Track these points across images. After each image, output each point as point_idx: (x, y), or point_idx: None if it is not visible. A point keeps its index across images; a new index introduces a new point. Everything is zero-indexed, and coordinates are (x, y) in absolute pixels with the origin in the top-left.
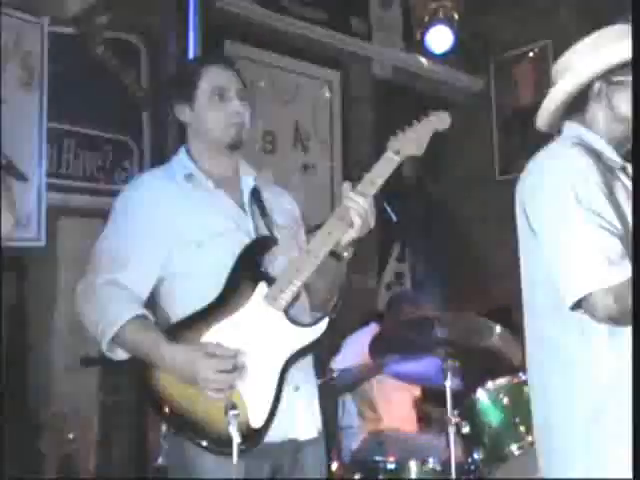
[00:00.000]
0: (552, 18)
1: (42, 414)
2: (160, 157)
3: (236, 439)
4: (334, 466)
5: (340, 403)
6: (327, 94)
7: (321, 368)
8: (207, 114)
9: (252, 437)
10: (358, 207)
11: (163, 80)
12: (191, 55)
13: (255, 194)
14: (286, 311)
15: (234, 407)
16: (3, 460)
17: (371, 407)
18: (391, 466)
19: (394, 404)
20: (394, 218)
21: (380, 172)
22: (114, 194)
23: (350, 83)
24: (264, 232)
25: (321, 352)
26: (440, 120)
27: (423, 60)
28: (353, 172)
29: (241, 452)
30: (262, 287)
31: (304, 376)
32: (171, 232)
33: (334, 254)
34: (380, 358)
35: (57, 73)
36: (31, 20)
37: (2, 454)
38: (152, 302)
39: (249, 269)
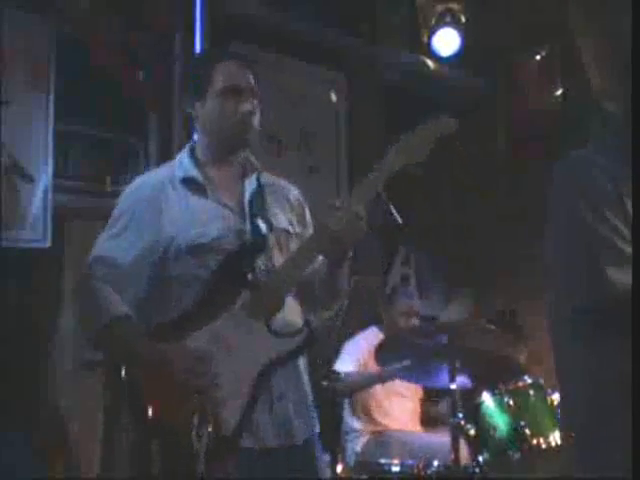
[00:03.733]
0: (559, 21)
1: (46, 414)
2: (166, 158)
3: (203, 446)
4: (339, 469)
5: (344, 405)
6: (333, 96)
7: (325, 371)
8: (218, 111)
9: (223, 444)
10: (351, 216)
11: (173, 77)
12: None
13: (257, 195)
14: (267, 320)
15: (204, 414)
16: (8, 459)
17: (374, 408)
18: (396, 468)
19: (396, 406)
20: (399, 220)
21: (379, 176)
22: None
23: (356, 85)
24: (259, 237)
25: (329, 355)
26: (445, 125)
27: (430, 63)
28: (359, 174)
29: (212, 459)
30: (245, 295)
31: (290, 384)
32: (165, 237)
33: (332, 262)
34: (386, 364)
35: (64, 74)
36: (38, 21)
37: (6, 453)
38: (149, 304)
39: (233, 276)
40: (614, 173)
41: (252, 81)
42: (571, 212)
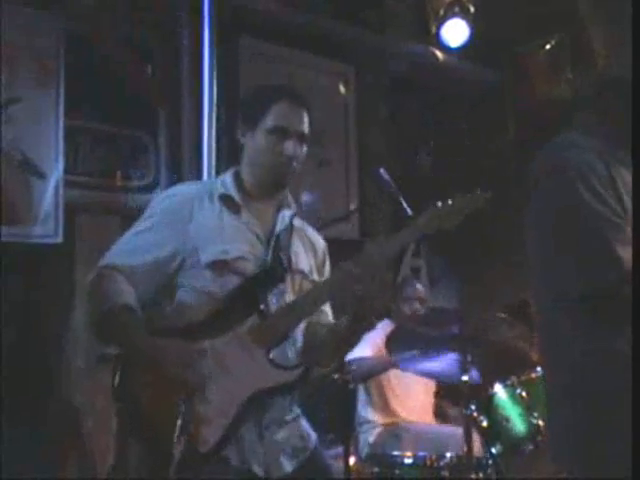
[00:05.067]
0: (568, 11)
1: (60, 410)
2: (176, 153)
3: (178, 453)
4: (351, 461)
5: (357, 397)
6: (342, 89)
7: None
8: (264, 147)
9: (196, 460)
10: (371, 275)
11: (177, 75)
12: (205, 51)
13: (285, 232)
14: (268, 349)
15: (185, 423)
16: (22, 455)
17: (386, 400)
18: (408, 460)
19: (411, 397)
20: (409, 212)
21: (407, 237)
22: (130, 190)
23: (365, 77)
24: (279, 268)
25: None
26: (479, 200)
27: (438, 53)
28: (368, 167)
29: (183, 470)
30: (253, 320)
31: (279, 413)
32: (188, 247)
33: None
34: (397, 355)
35: (72, 70)
36: (46, 17)
37: (21, 450)
38: (153, 306)
39: (246, 300)
40: (603, 155)
41: (304, 124)
42: (570, 195)
